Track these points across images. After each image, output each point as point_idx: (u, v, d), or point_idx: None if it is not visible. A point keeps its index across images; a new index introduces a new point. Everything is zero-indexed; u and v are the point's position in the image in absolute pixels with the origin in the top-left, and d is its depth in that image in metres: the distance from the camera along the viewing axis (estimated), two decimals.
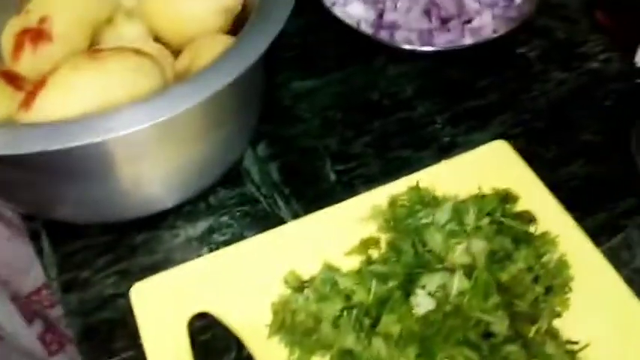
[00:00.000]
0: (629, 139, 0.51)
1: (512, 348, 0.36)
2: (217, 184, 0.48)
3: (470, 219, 0.41)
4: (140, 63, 0.41)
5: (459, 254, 0.39)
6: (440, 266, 0.39)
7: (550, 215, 0.44)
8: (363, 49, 0.58)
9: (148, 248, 0.45)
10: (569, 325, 0.39)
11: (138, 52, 0.42)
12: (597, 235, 0.44)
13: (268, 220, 0.46)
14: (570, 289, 0.40)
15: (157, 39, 0.49)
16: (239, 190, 0.49)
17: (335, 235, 0.43)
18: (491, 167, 0.47)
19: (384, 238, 0.43)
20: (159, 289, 0.41)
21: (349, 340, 0.36)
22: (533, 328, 0.37)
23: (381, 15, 0.58)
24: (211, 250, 0.45)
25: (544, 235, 0.42)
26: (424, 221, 0.41)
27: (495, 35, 0.56)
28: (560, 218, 0.44)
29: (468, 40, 0.57)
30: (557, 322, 0.39)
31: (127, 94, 0.39)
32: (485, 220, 0.41)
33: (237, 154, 0.49)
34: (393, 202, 0.44)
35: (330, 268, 0.41)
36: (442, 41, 0.57)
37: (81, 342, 0.41)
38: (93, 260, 0.45)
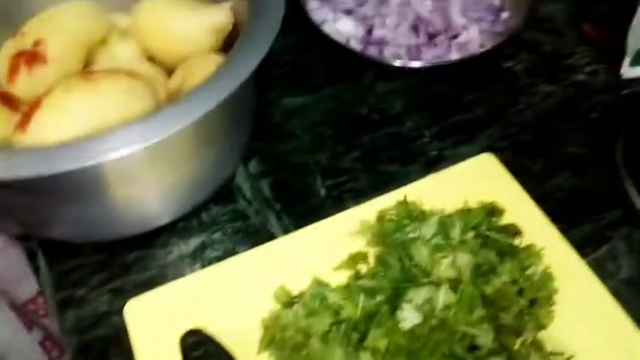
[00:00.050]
0: (615, 151, 0.51)
1: None
2: (209, 200, 0.49)
3: (455, 233, 0.41)
4: (132, 85, 0.42)
5: (444, 268, 0.39)
6: (426, 280, 0.39)
7: (536, 227, 0.44)
8: (352, 67, 0.59)
9: (142, 266, 0.46)
10: (554, 337, 0.39)
11: (130, 74, 0.43)
12: (583, 246, 0.44)
13: (259, 236, 0.47)
14: (554, 302, 0.40)
15: (151, 58, 0.50)
16: (231, 206, 0.49)
17: (324, 250, 0.43)
18: (478, 180, 0.47)
19: (372, 252, 0.43)
20: (152, 306, 0.41)
21: (337, 355, 0.37)
22: (518, 341, 0.38)
23: (369, 31, 0.59)
24: (204, 266, 0.45)
25: (529, 247, 0.42)
26: (411, 235, 0.42)
27: (482, 50, 0.56)
28: (546, 230, 0.44)
29: (454, 56, 0.57)
30: (542, 335, 0.39)
31: (119, 115, 0.40)
32: (471, 234, 0.41)
33: (229, 171, 0.50)
34: (381, 217, 0.44)
35: (319, 284, 0.41)
36: (429, 56, 0.57)
37: (76, 359, 0.42)
38: (88, 278, 0.45)
